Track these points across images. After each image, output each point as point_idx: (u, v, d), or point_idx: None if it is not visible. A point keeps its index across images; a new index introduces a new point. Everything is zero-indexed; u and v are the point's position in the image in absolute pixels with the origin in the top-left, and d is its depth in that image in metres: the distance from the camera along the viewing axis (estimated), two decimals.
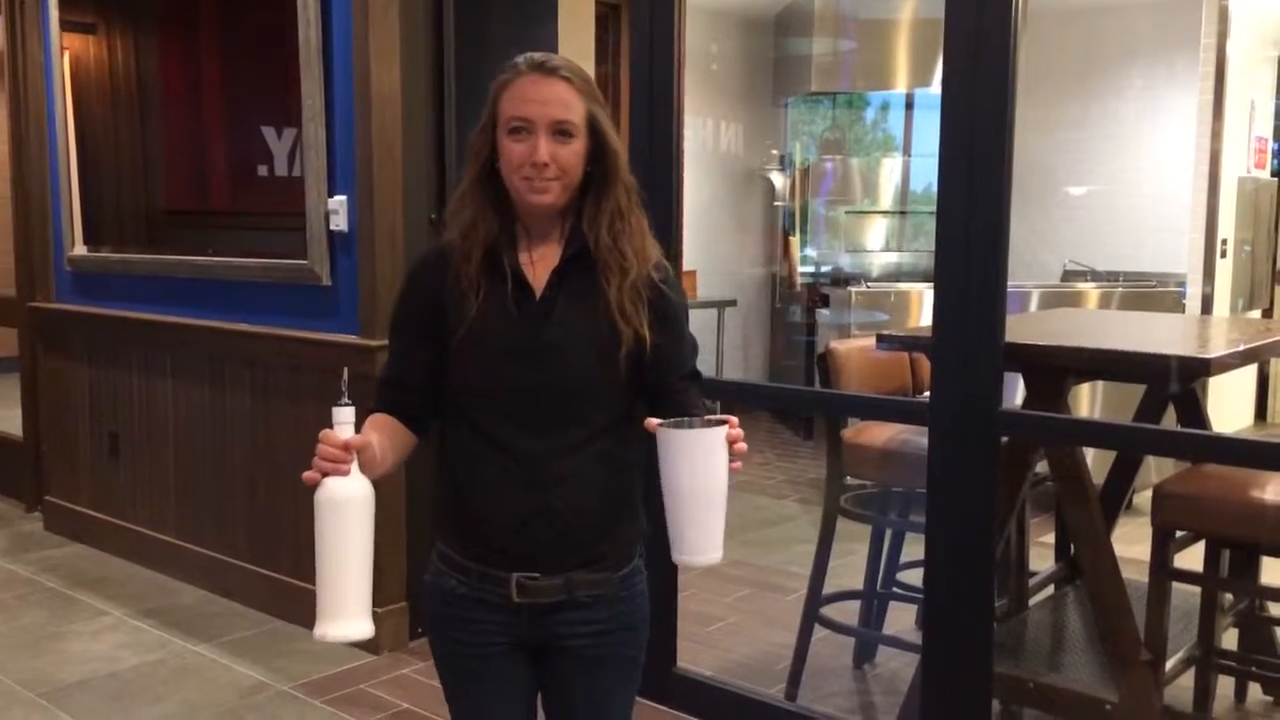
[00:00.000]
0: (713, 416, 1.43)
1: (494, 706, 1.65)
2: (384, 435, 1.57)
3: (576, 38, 4.08)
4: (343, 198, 3.48)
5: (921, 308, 5.53)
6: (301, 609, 3.73)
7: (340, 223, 3.49)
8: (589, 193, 1.57)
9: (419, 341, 1.63)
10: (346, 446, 1.44)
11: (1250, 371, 6.13)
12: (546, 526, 1.56)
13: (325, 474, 1.43)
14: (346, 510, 1.43)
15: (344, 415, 1.44)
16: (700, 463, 1.40)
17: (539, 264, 1.58)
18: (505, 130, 1.53)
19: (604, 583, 1.61)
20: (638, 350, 1.55)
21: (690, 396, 1.61)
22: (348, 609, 1.42)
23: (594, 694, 1.65)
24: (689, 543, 1.42)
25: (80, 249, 4.60)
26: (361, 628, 1.42)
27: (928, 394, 2.66)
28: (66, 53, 4.55)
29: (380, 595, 3.51)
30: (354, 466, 1.45)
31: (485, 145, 1.56)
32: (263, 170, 3.82)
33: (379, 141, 3.38)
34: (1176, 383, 2.90)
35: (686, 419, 1.44)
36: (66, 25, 4.52)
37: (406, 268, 1.65)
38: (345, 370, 1.49)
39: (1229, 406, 5.69)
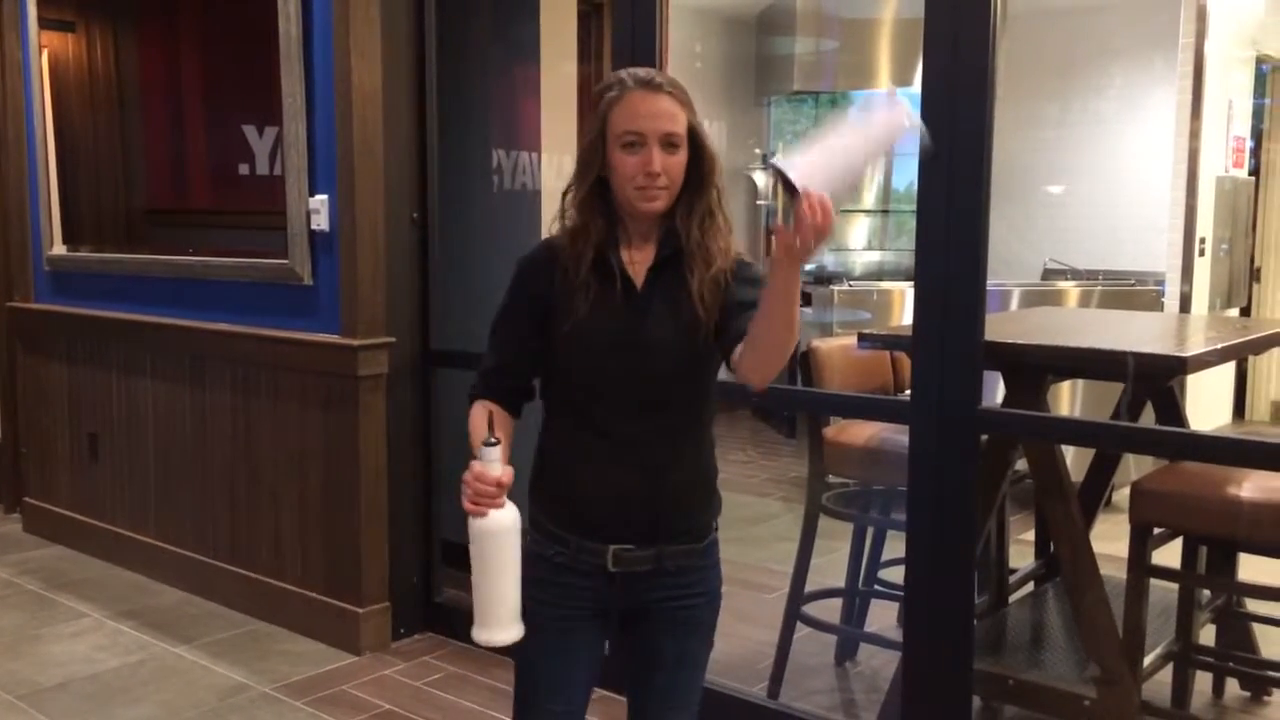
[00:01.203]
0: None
1: (566, 667, 1.80)
2: (501, 426, 1.72)
3: (558, 36, 4.07)
4: (324, 196, 3.47)
5: (904, 306, 5.55)
6: (282, 610, 3.71)
7: (321, 222, 3.47)
8: (684, 195, 1.71)
9: (526, 333, 1.76)
10: (499, 484, 1.61)
11: (1229, 369, 6.18)
12: (642, 505, 1.73)
13: (483, 508, 1.61)
14: (506, 538, 1.64)
15: (492, 454, 1.62)
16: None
17: (638, 263, 1.73)
18: (618, 144, 1.67)
19: (689, 553, 1.77)
20: (711, 332, 1.70)
21: (746, 318, 1.66)
22: (505, 619, 1.66)
23: (678, 653, 1.81)
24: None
25: (59, 248, 4.57)
26: (516, 632, 1.68)
27: (909, 392, 2.67)
28: (45, 51, 4.52)
29: (361, 595, 3.53)
30: (505, 498, 1.64)
31: (596, 157, 1.69)
32: (243, 169, 3.81)
33: (360, 140, 3.37)
34: (1154, 380, 2.93)
35: None
36: (45, 23, 4.48)
37: (516, 264, 1.79)
38: (490, 414, 1.69)
39: (1208, 404, 5.73)
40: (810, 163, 1.46)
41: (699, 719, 1.88)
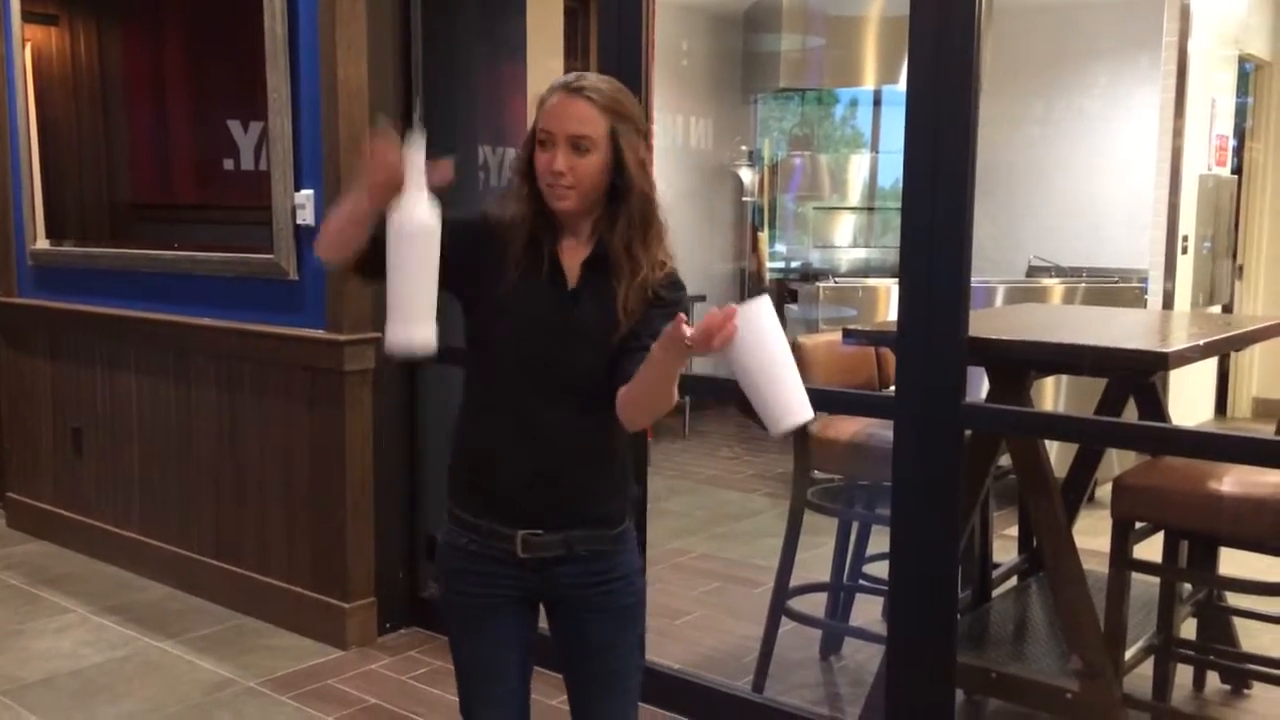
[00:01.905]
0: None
1: (496, 651, 1.83)
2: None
3: (544, 32, 4.07)
4: (309, 191, 3.46)
5: (889, 303, 5.56)
6: (268, 605, 3.71)
7: (307, 217, 3.47)
8: (610, 201, 1.74)
9: (454, 240, 1.70)
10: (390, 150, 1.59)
11: (1211, 366, 6.23)
12: (546, 486, 1.76)
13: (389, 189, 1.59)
14: (429, 237, 1.61)
15: (419, 144, 1.60)
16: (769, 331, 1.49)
17: (569, 255, 1.77)
18: (536, 142, 1.73)
19: (599, 539, 1.80)
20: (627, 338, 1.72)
21: (640, 360, 1.66)
22: (420, 314, 1.61)
23: (602, 639, 1.84)
24: (784, 406, 1.50)
25: (43, 243, 4.54)
26: (430, 331, 1.61)
27: (893, 388, 2.68)
28: (28, 44, 4.50)
29: (347, 590, 3.52)
30: (426, 194, 1.60)
31: (525, 153, 1.76)
32: (228, 164, 3.79)
33: (346, 135, 3.36)
34: (1137, 376, 2.95)
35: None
36: (28, 16, 4.46)
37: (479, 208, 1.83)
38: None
39: (1190, 401, 5.77)
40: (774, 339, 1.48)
41: (668, 709, 1.90)
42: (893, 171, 7.09)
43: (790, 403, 1.50)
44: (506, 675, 1.84)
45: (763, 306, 1.48)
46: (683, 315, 1.52)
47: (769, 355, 1.49)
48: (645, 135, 1.78)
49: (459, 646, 1.87)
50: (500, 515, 1.77)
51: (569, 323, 1.74)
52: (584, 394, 1.73)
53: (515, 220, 1.76)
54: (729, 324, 1.44)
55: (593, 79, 1.74)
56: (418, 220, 1.60)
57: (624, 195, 1.73)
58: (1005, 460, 2.82)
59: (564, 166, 1.69)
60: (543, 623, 1.89)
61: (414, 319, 1.61)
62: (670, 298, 1.75)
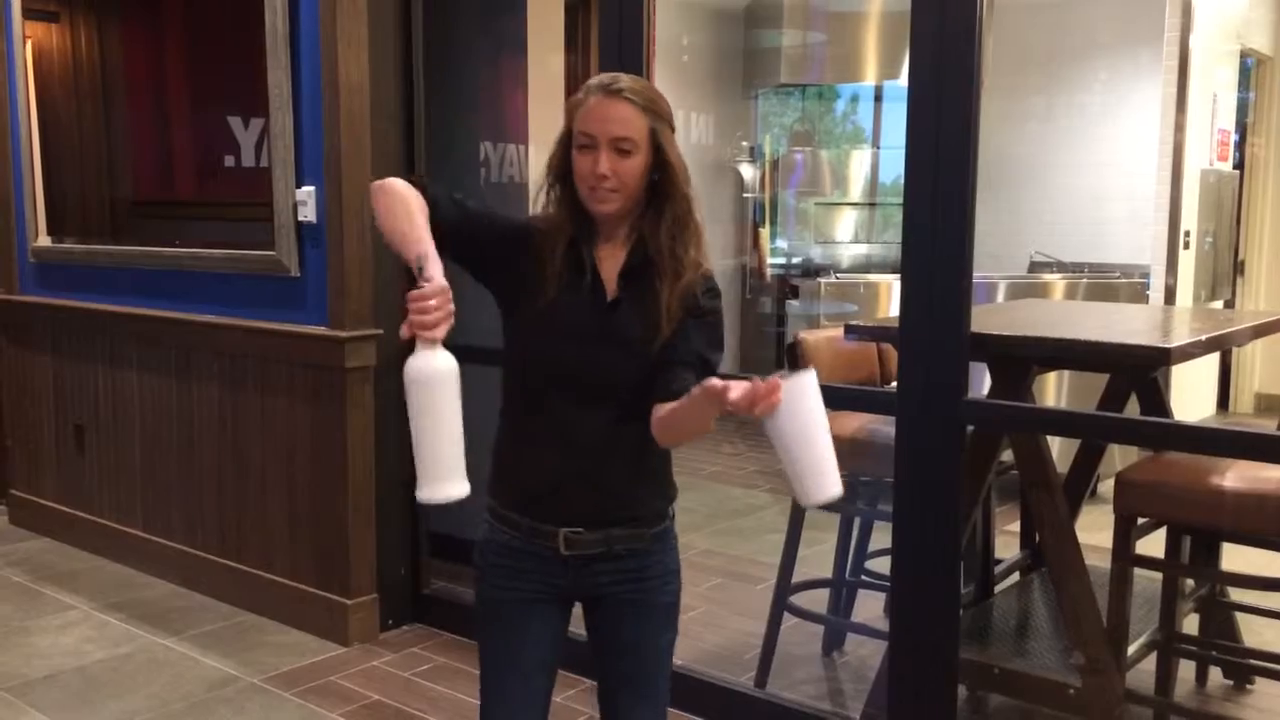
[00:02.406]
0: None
1: (526, 647, 1.83)
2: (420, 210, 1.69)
3: (545, 28, 4.07)
4: (311, 188, 3.46)
5: (890, 298, 5.57)
6: (270, 602, 3.71)
7: (308, 213, 3.47)
8: (652, 202, 1.75)
9: (497, 237, 1.77)
10: (443, 291, 1.58)
11: (1213, 361, 6.22)
12: (590, 490, 1.77)
13: (435, 324, 1.57)
14: (449, 383, 1.59)
15: (431, 269, 1.60)
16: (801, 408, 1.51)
17: (607, 261, 1.77)
18: (575, 146, 1.72)
19: (638, 538, 1.81)
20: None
21: (680, 379, 1.69)
22: (453, 470, 1.59)
23: (637, 638, 1.84)
24: (817, 481, 1.52)
25: (44, 240, 4.54)
26: (464, 487, 1.60)
27: (895, 384, 2.68)
28: (29, 41, 4.49)
29: (350, 587, 3.53)
30: (440, 345, 1.59)
31: (561, 158, 1.75)
32: (229, 160, 3.79)
33: (347, 131, 3.36)
34: (1139, 372, 2.95)
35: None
36: (29, 13, 4.46)
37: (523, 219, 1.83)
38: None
39: (1192, 396, 5.77)
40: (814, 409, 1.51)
41: (670, 705, 1.90)
42: (894, 167, 7.08)
43: (822, 477, 1.52)
44: (533, 672, 1.84)
45: (808, 383, 1.50)
46: (718, 381, 1.49)
47: (808, 430, 1.52)
48: (674, 133, 1.77)
49: (489, 640, 1.87)
50: (542, 514, 1.78)
51: (609, 334, 1.74)
52: (623, 401, 1.74)
53: (553, 227, 1.76)
54: (774, 395, 1.46)
55: (628, 80, 1.73)
56: (438, 366, 1.59)
57: (666, 194, 1.74)
58: (1007, 456, 2.82)
59: (608, 169, 1.68)
60: (576, 627, 1.89)
61: (447, 476, 1.60)
62: (709, 306, 1.76)
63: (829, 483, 1.52)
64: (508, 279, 1.77)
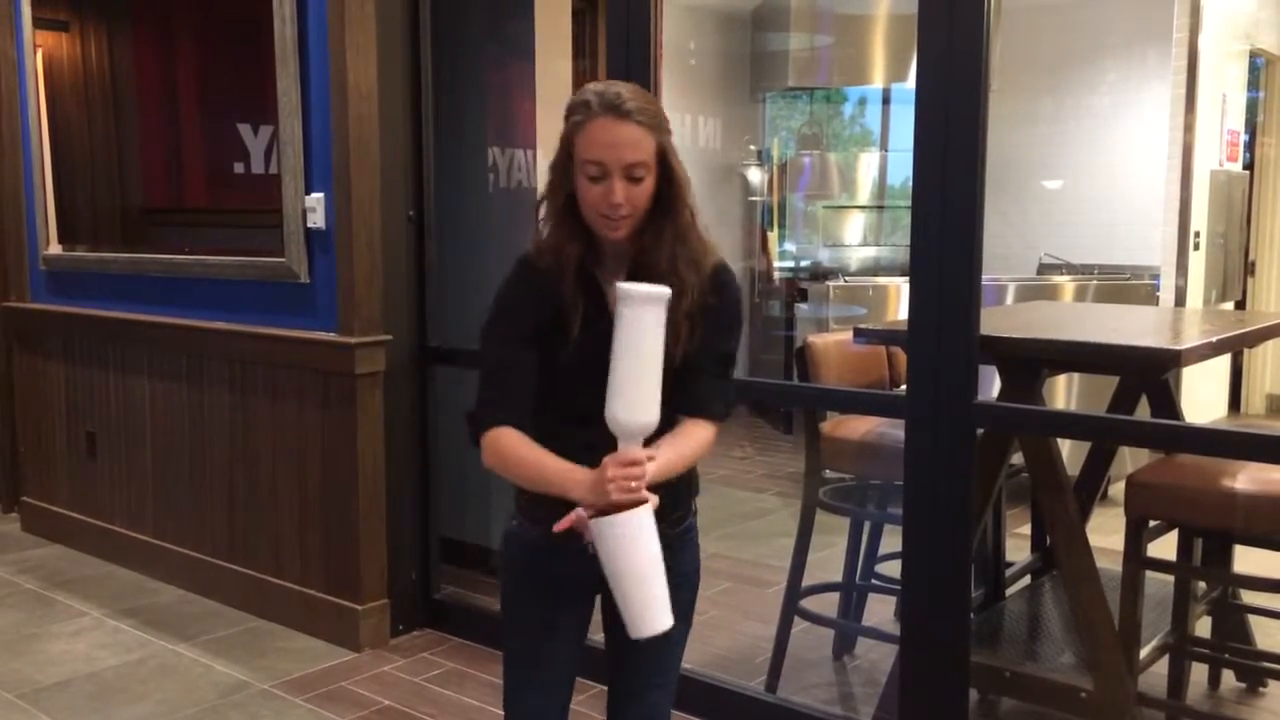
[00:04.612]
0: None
1: (551, 640, 1.85)
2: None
3: (553, 33, 4.08)
4: (320, 195, 3.47)
5: (899, 301, 5.56)
6: (281, 608, 3.72)
7: (318, 220, 3.48)
8: (653, 219, 1.71)
9: (532, 363, 1.74)
10: (640, 461, 1.62)
11: (1224, 363, 6.21)
12: None
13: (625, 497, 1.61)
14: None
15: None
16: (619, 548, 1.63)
17: (613, 279, 1.72)
18: (582, 171, 1.66)
19: (662, 535, 1.75)
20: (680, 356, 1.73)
21: (703, 382, 1.76)
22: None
23: None
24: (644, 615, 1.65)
25: (55, 248, 4.56)
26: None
27: (904, 387, 2.68)
28: (40, 50, 4.52)
29: (360, 593, 3.53)
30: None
31: (564, 181, 1.69)
32: (239, 167, 3.81)
33: (356, 138, 3.37)
34: (1149, 374, 2.94)
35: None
36: (39, 23, 4.48)
37: (502, 288, 1.78)
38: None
39: (1203, 398, 5.75)
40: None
41: (681, 709, 1.92)
42: (902, 169, 7.07)
43: (648, 612, 1.64)
44: (557, 664, 1.87)
45: (640, 523, 1.60)
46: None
47: (636, 568, 1.63)
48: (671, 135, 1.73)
49: (516, 633, 1.89)
50: (570, 510, 1.78)
51: None
52: None
53: (560, 254, 1.71)
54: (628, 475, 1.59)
55: (627, 94, 1.66)
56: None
57: (671, 211, 1.70)
58: (1018, 459, 2.81)
59: (623, 198, 1.64)
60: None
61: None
62: (715, 302, 1.77)
63: (655, 617, 1.64)
64: (544, 339, 1.75)
